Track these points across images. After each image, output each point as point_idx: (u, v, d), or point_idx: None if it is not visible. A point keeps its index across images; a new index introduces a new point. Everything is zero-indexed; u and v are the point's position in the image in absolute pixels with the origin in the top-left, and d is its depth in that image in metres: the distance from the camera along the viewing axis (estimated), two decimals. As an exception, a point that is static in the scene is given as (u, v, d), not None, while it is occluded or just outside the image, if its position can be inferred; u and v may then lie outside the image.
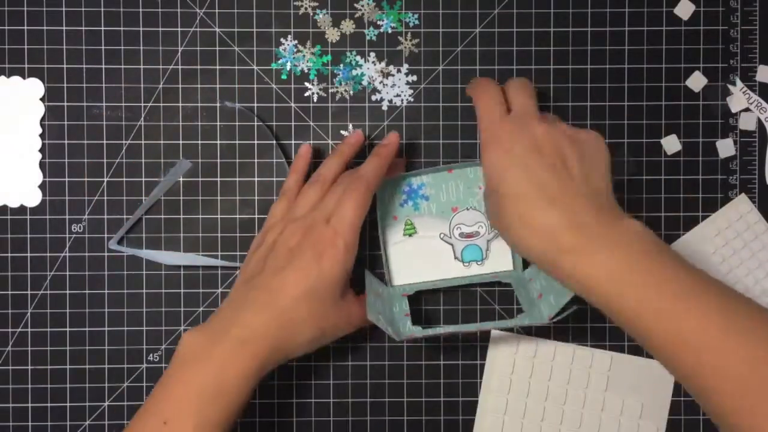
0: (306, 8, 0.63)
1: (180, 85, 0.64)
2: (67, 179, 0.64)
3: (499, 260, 0.64)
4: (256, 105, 0.64)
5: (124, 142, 0.64)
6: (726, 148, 0.64)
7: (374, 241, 0.64)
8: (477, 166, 0.64)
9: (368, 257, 0.64)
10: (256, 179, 0.64)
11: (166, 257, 0.63)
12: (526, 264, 0.63)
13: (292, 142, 0.64)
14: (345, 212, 0.57)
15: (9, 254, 0.64)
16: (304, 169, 0.62)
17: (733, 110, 0.64)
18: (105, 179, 0.64)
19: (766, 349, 0.47)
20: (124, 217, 0.64)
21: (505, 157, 0.54)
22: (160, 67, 0.64)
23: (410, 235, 0.64)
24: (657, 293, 0.49)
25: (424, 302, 0.65)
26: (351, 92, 0.64)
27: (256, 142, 0.64)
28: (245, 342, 0.54)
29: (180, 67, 0.64)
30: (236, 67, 0.64)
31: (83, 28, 0.64)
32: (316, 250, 0.56)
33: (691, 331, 0.48)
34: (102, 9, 0.64)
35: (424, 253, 0.64)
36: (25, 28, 0.64)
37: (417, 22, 0.64)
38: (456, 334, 0.63)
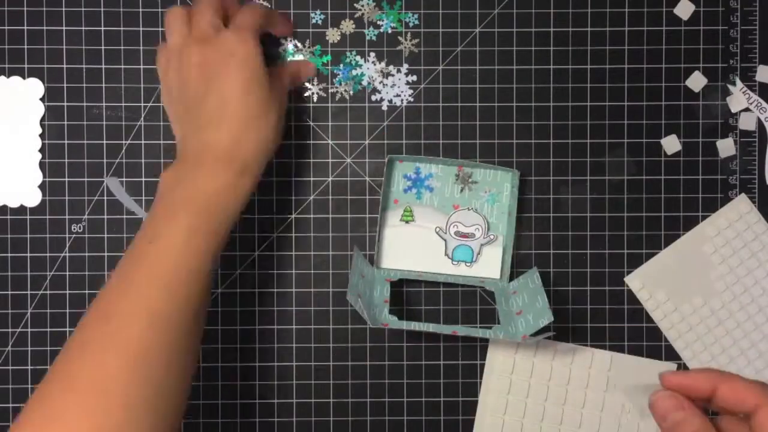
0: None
1: (180, 85, 0.64)
2: (67, 179, 0.64)
3: (488, 266, 0.64)
4: (256, 105, 0.64)
5: (124, 142, 0.64)
6: (726, 148, 0.64)
7: (372, 222, 0.64)
8: (487, 169, 0.64)
9: (367, 239, 0.64)
10: (256, 179, 0.64)
11: None
12: (512, 276, 0.64)
13: (292, 142, 0.64)
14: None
15: (9, 254, 0.64)
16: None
17: (733, 110, 0.64)
18: (105, 179, 0.64)
19: None
20: (124, 217, 0.64)
21: None
22: (160, 67, 0.64)
23: (407, 222, 0.64)
24: None
25: (424, 297, 0.64)
26: (351, 92, 0.64)
27: (256, 142, 0.64)
28: (220, 158, 0.55)
29: (180, 67, 0.64)
30: (236, 67, 0.64)
31: (83, 28, 0.64)
32: (226, 51, 0.56)
33: None
34: (102, 9, 0.64)
35: (416, 243, 0.64)
36: (25, 28, 0.64)
37: (417, 22, 0.64)
38: (428, 333, 0.63)
